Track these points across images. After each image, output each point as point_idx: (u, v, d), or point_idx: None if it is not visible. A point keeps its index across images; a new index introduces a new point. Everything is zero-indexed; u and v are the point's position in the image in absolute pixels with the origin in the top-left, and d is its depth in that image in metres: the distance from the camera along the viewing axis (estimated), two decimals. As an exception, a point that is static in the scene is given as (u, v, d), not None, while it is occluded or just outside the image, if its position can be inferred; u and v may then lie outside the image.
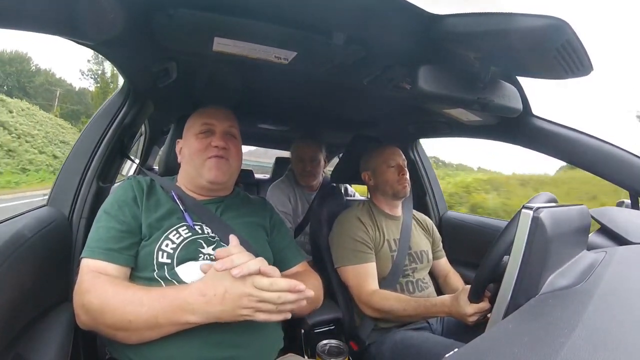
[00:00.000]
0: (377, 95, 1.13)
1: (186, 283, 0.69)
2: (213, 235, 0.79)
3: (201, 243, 0.76)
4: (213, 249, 0.77)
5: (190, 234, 0.77)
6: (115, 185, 1.36)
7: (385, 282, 1.15)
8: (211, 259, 0.75)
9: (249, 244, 0.80)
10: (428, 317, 1.04)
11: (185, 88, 1.13)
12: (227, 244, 0.78)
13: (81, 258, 0.71)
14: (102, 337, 0.72)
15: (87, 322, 0.65)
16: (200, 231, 0.79)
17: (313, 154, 1.65)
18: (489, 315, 0.86)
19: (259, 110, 1.49)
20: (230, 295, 0.60)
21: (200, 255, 0.74)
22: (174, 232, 0.76)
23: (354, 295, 1.13)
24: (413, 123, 1.49)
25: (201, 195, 0.86)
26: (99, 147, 0.96)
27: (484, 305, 0.85)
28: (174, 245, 0.74)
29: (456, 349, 0.41)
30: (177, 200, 0.81)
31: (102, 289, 0.64)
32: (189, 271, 0.71)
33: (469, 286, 0.88)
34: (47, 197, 0.94)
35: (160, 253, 0.73)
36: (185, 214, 0.79)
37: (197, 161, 0.83)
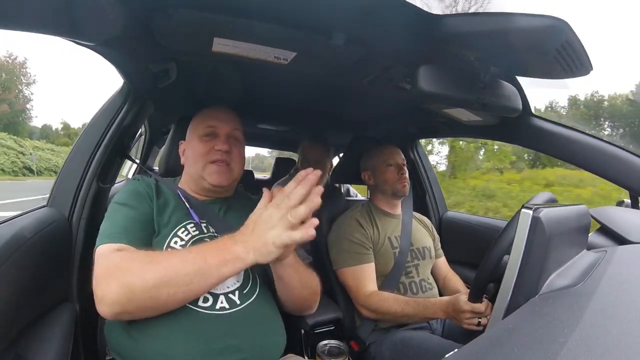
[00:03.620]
0: (377, 95, 1.13)
1: None
2: (217, 235, 0.79)
3: (208, 242, 0.77)
4: None
5: (197, 231, 0.77)
6: (117, 184, 1.36)
7: (387, 279, 1.15)
8: None
9: None
10: (427, 318, 1.04)
11: (185, 88, 1.13)
12: None
13: (98, 246, 0.68)
14: (112, 333, 0.69)
15: (121, 297, 0.58)
16: (205, 230, 0.79)
17: (320, 157, 1.66)
18: (483, 320, 0.87)
19: (259, 110, 1.49)
20: (258, 222, 0.60)
21: None
22: (182, 229, 0.76)
23: (352, 297, 1.14)
24: (413, 123, 1.49)
25: (204, 196, 0.87)
26: (99, 148, 0.96)
27: (480, 306, 0.85)
28: (183, 243, 0.74)
29: (456, 349, 0.41)
30: (183, 198, 0.82)
31: (143, 252, 0.63)
32: None
33: (467, 290, 0.88)
34: (47, 197, 0.94)
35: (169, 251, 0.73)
36: (191, 211, 0.80)
37: (200, 164, 0.83)
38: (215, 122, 0.86)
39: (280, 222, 0.57)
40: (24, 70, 21.85)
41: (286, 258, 0.68)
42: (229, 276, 0.62)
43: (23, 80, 21.62)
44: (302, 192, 0.57)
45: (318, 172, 0.59)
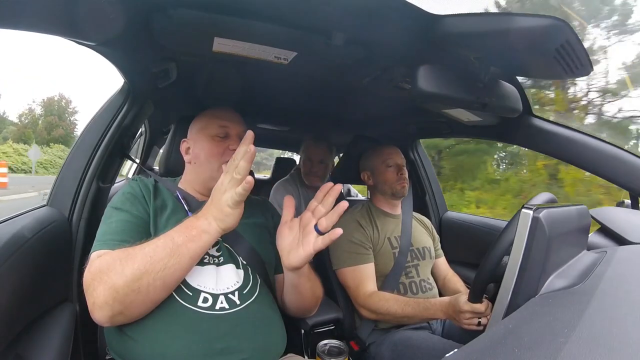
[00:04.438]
0: (377, 95, 1.13)
1: (191, 285, 0.69)
2: None
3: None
4: (217, 250, 0.77)
5: None
6: (117, 184, 1.36)
7: (387, 280, 1.15)
8: (216, 263, 0.75)
9: (252, 246, 0.80)
10: (426, 318, 1.04)
11: (185, 88, 1.13)
12: (230, 244, 0.79)
13: (91, 253, 0.68)
14: (112, 333, 0.69)
15: (107, 299, 0.59)
16: None
17: (322, 156, 1.67)
18: (483, 320, 0.87)
19: (259, 110, 1.49)
20: (214, 193, 0.66)
21: (205, 256, 0.74)
22: None
23: (352, 297, 1.14)
24: (413, 123, 1.49)
25: (206, 196, 0.86)
26: (99, 148, 0.96)
27: (480, 306, 0.85)
28: None
29: (456, 349, 0.41)
30: (182, 200, 0.81)
31: (120, 250, 0.64)
32: (194, 274, 0.70)
33: (467, 291, 0.88)
34: (47, 197, 0.94)
35: None
36: (190, 214, 0.79)
37: (214, 164, 0.82)
38: (227, 122, 0.86)
39: (229, 184, 0.63)
40: (70, 104, 32.33)
41: (302, 267, 0.71)
42: (200, 252, 0.65)
43: (69, 111, 31.86)
44: (242, 150, 0.62)
45: (339, 187, 0.70)
